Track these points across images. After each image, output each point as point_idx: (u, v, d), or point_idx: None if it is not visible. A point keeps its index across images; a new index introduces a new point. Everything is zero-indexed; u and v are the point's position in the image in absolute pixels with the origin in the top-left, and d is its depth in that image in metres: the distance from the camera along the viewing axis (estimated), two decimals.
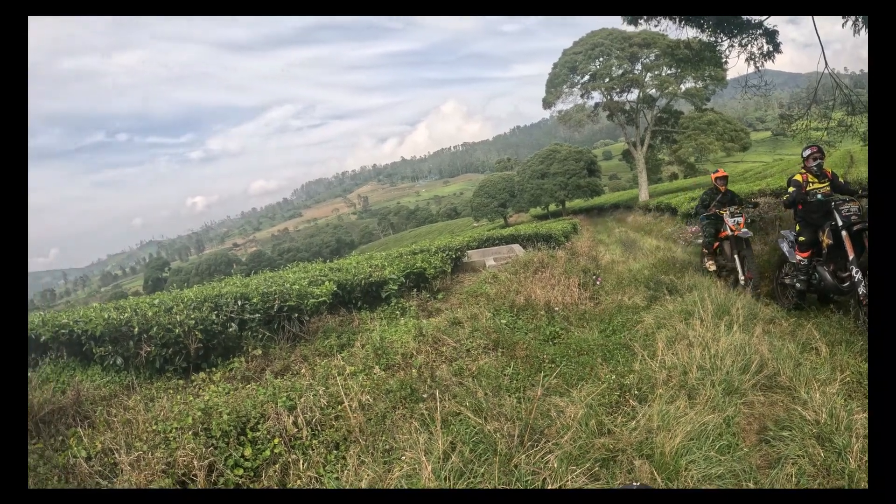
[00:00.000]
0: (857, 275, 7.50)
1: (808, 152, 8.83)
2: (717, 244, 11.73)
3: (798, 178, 8.84)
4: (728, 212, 10.99)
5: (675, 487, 4.08)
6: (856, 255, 7.61)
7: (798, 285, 8.73)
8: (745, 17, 14.43)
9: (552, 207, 72.74)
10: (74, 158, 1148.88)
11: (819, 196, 8.26)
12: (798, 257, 8.75)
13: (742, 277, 10.55)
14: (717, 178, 11.76)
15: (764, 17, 14.11)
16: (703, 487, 4.03)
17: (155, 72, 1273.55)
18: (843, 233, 7.75)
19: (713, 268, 11.64)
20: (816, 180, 8.72)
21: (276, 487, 4.70)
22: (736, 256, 10.84)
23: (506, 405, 5.41)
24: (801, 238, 8.69)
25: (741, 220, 10.83)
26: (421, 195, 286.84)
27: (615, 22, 56.79)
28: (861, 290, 7.40)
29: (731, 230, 10.80)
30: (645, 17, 14.19)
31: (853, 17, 10.58)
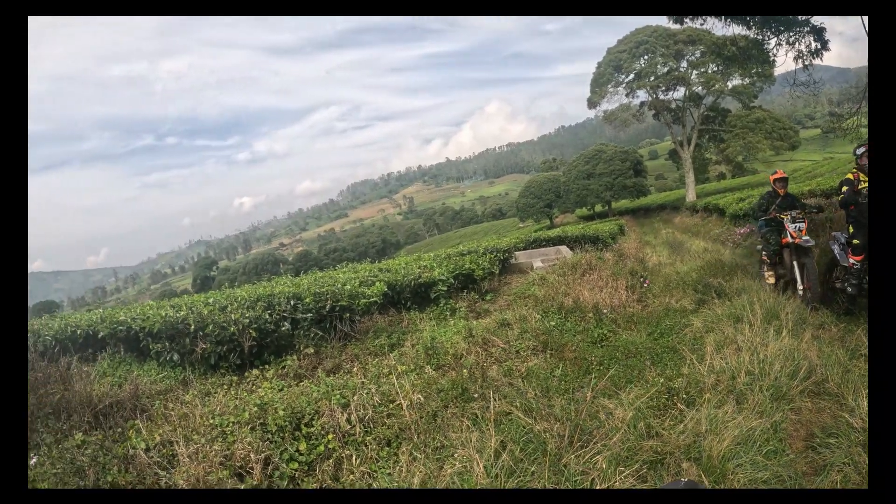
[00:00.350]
0: None
1: (861, 150, 8.58)
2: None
3: (850, 176, 8.68)
4: (789, 216, 10.11)
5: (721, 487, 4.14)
6: None
7: (850, 290, 8.51)
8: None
9: (598, 208, 72.19)
10: (124, 161, 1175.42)
11: None
12: (851, 260, 8.53)
13: (801, 288, 9.74)
14: (775, 181, 10.84)
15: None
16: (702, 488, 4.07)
17: (202, 77, 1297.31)
18: None
19: (772, 280, 10.72)
20: (867, 178, 8.55)
21: (330, 488, 4.83)
22: (795, 265, 9.97)
23: (555, 406, 5.48)
24: (855, 241, 8.47)
25: (803, 226, 9.95)
26: (466, 195, 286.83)
27: (660, 19, 55.90)
28: None
29: (792, 237, 9.93)
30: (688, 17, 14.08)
31: None
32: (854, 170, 8.77)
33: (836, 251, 9.00)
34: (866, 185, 8.45)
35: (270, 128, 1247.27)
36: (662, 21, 51.62)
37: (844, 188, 8.58)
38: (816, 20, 14.38)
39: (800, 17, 14.33)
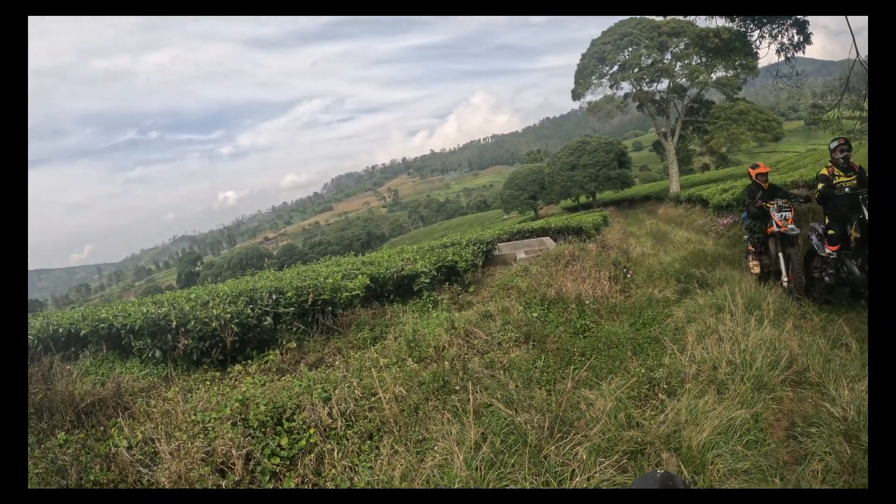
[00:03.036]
0: None
1: (834, 144, 8.78)
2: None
3: (824, 171, 8.84)
4: (775, 205, 10.01)
5: (699, 482, 4.15)
6: None
7: (827, 279, 8.62)
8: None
9: (582, 199, 72.33)
10: (107, 157, 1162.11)
11: (846, 189, 8.22)
12: (827, 250, 8.64)
13: (786, 279, 9.72)
14: (757, 175, 10.82)
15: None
16: (735, 488, 4.09)
17: (185, 70, 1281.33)
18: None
19: (757, 269, 10.75)
20: (843, 174, 8.66)
21: (313, 483, 4.82)
22: (780, 256, 9.97)
23: (536, 397, 5.49)
24: (831, 231, 8.60)
25: (790, 215, 9.89)
26: (451, 188, 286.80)
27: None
28: None
29: (778, 226, 9.87)
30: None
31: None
32: (829, 164, 8.87)
33: (814, 241, 9.11)
34: (841, 178, 8.60)
35: (254, 121, 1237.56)
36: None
37: (820, 185, 8.71)
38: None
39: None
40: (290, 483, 4.76)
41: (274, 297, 9.45)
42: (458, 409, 5.56)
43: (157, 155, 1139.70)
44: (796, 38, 15.02)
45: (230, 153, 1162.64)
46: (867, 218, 7.73)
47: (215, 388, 6.80)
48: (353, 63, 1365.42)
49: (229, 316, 8.43)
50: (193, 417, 5.51)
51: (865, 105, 16.59)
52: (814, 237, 9.21)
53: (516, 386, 5.89)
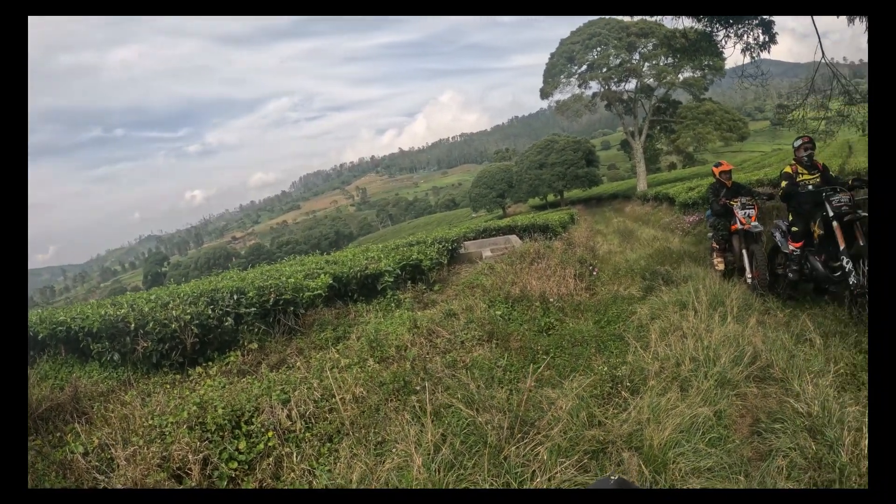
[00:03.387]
0: (847, 265, 7.48)
1: (798, 143, 8.89)
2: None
3: (788, 169, 8.90)
4: (739, 203, 10.22)
5: (659, 481, 4.11)
6: (847, 245, 7.59)
7: (791, 275, 8.71)
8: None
9: (550, 198, 72.67)
10: (72, 155, 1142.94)
11: (810, 187, 8.29)
12: (791, 247, 8.71)
13: (749, 276, 9.86)
14: (721, 174, 11.07)
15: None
16: (697, 487, 4.03)
17: (152, 66, 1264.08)
18: (835, 223, 7.74)
19: (722, 266, 10.93)
20: (807, 171, 8.75)
21: (272, 487, 4.71)
22: (744, 252, 10.13)
23: (497, 397, 5.42)
24: (794, 228, 8.66)
25: (753, 212, 10.08)
26: (419, 186, 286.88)
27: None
28: (852, 279, 7.39)
29: (742, 223, 10.04)
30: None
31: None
32: (793, 162, 8.94)
33: (777, 238, 9.22)
34: (805, 176, 8.70)
35: (222, 119, 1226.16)
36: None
37: (784, 182, 8.75)
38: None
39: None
40: (249, 487, 4.68)
41: (235, 297, 9.29)
42: (418, 410, 5.48)
43: (123, 153, 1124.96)
44: (762, 37, 15.15)
45: (197, 151, 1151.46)
46: (831, 215, 7.83)
47: (175, 392, 6.66)
48: (323, 60, 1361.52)
49: (189, 317, 8.26)
50: (151, 422, 5.37)
51: (830, 105, 16.82)
52: (777, 234, 9.33)
53: (478, 386, 5.82)
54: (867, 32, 9.27)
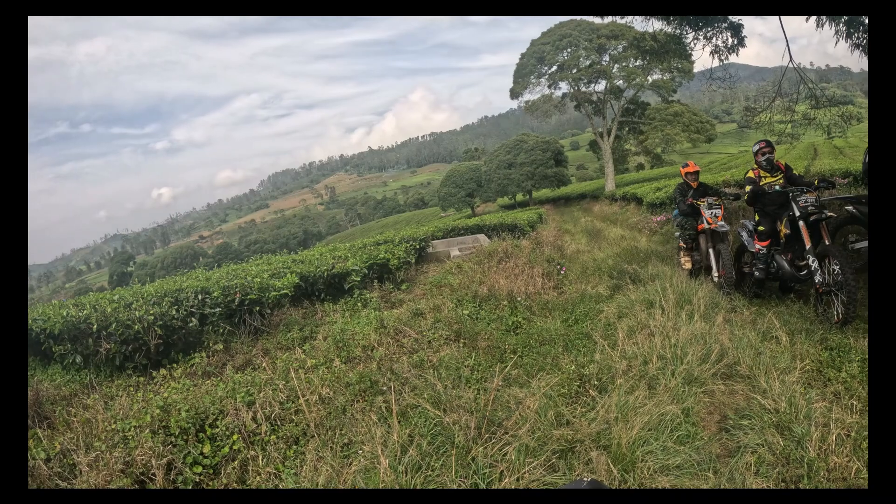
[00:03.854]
0: (813, 264, 7.59)
1: (756, 148, 8.98)
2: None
3: (751, 174, 8.97)
4: (706, 203, 10.32)
5: (628, 480, 4.10)
6: (812, 244, 7.71)
7: (757, 273, 8.83)
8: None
9: (519, 197, 72.95)
10: (36, 151, 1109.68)
11: (777, 187, 8.38)
12: (757, 246, 8.83)
13: (716, 274, 9.95)
14: (687, 174, 11.06)
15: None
16: (666, 485, 4.05)
17: (120, 61, 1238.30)
18: (801, 223, 7.85)
19: (689, 265, 11.01)
20: (769, 174, 8.84)
21: (272, 487, 4.65)
22: (711, 251, 10.23)
23: (465, 397, 5.39)
24: (761, 228, 8.78)
25: (720, 212, 10.22)
26: (388, 185, 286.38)
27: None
28: (818, 278, 7.50)
29: (708, 223, 10.17)
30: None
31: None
32: (755, 167, 9.03)
33: (744, 237, 9.34)
34: (768, 179, 8.86)
35: (190, 115, 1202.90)
36: (586, 14, 52.57)
37: (748, 186, 8.87)
38: (734, 17, 14.70)
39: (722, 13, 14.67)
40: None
41: (200, 297, 9.15)
42: (384, 411, 5.43)
43: (88, 149, 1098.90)
44: (731, 41, 15.28)
45: (165, 148, 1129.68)
46: (798, 215, 7.94)
47: (138, 395, 6.48)
48: (293, 58, 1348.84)
49: (152, 318, 8.11)
50: (114, 426, 5.23)
51: (796, 108, 17.04)
52: (744, 233, 9.46)
53: (445, 386, 5.78)
54: (867, 33, 9.40)
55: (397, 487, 4.04)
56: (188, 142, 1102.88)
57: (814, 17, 10.89)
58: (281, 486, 4.54)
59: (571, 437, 4.64)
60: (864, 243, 8.35)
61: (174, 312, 8.49)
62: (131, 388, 7.13)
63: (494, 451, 4.41)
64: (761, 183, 8.83)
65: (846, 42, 10.41)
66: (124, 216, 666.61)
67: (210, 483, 4.73)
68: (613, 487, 3.96)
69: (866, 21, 9.86)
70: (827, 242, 7.75)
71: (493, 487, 4.06)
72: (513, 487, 4.01)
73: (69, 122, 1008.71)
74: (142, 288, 11.61)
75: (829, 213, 7.86)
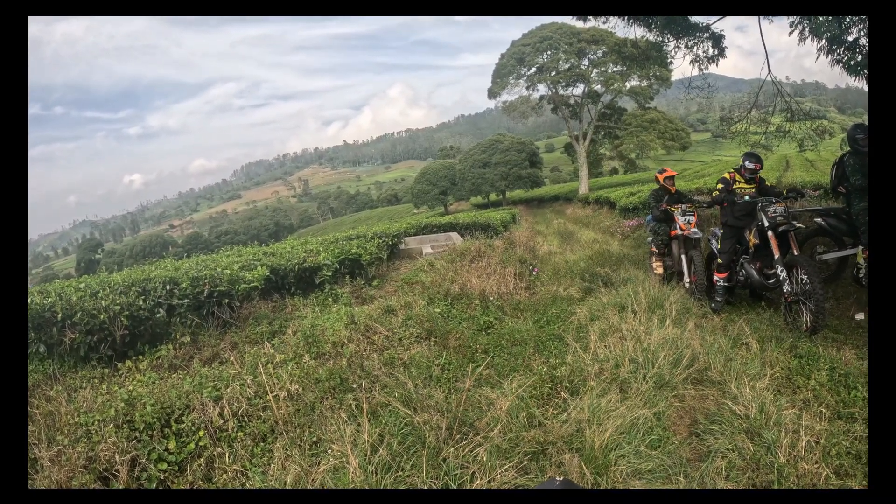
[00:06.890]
0: (782, 273, 7.70)
1: (749, 163, 8.82)
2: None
3: (727, 176, 9.03)
4: (680, 209, 10.51)
5: (602, 483, 4.09)
6: (781, 254, 7.82)
7: (713, 306, 8.96)
8: (692, 20, 14.54)
9: (493, 197, 73.01)
10: None
11: (746, 197, 8.43)
12: (715, 277, 9.03)
13: (688, 280, 10.12)
14: (665, 179, 11.31)
15: (719, 17, 14.23)
16: (687, 487, 4.03)
17: (98, 42, 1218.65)
18: (770, 233, 7.93)
19: (661, 270, 11.10)
20: (744, 182, 8.87)
21: (271, 487, 4.56)
22: (683, 257, 10.37)
23: (436, 396, 5.35)
24: (720, 251, 9.03)
25: (693, 219, 10.39)
26: (362, 180, 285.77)
27: (565, 16, 56.99)
28: (786, 287, 7.61)
29: (682, 229, 10.31)
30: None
31: (799, 27, 10.70)
32: (732, 169, 9.06)
33: (713, 245, 9.38)
34: (741, 185, 8.90)
35: (165, 101, 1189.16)
36: (568, 18, 52.67)
37: (720, 185, 8.93)
38: (716, 27, 14.80)
39: (701, 21, 14.75)
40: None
41: (168, 287, 8.99)
42: (354, 409, 5.36)
43: (60, 132, 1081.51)
44: (711, 50, 15.38)
45: (138, 134, 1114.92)
46: (766, 225, 8.03)
47: (103, 387, 6.38)
48: (273, 47, 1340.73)
49: (119, 308, 7.94)
50: (77, 419, 5.13)
51: (772, 120, 17.22)
52: (713, 241, 9.55)
53: (416, 385, 5.73)
54: (867, 33, 9.49)
55: (367, 487, 3.98)
56: (162, 128, 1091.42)
57: (797, 32, 10.94)
58: (248, 485, 4.47)
59: (543, 438, 4.64)
60: (832, 254, 8.49)
61: (141, 303, 8.33)
62: (96, 380, 6.99)
63: (466, 452, 4.40)
64: (734, 187, 8.88)
65: (827, 58, 10.48)
66: (94, 202, 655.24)
67: (175, 480, 4.64)
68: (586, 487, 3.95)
69: (849, 38, 9.94)
70: (795, 253, 7.85)
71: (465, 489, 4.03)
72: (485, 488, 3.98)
73: (41, 104, 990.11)
74: (109, 276, 11.40)
75: (798, 225, 8.01)
